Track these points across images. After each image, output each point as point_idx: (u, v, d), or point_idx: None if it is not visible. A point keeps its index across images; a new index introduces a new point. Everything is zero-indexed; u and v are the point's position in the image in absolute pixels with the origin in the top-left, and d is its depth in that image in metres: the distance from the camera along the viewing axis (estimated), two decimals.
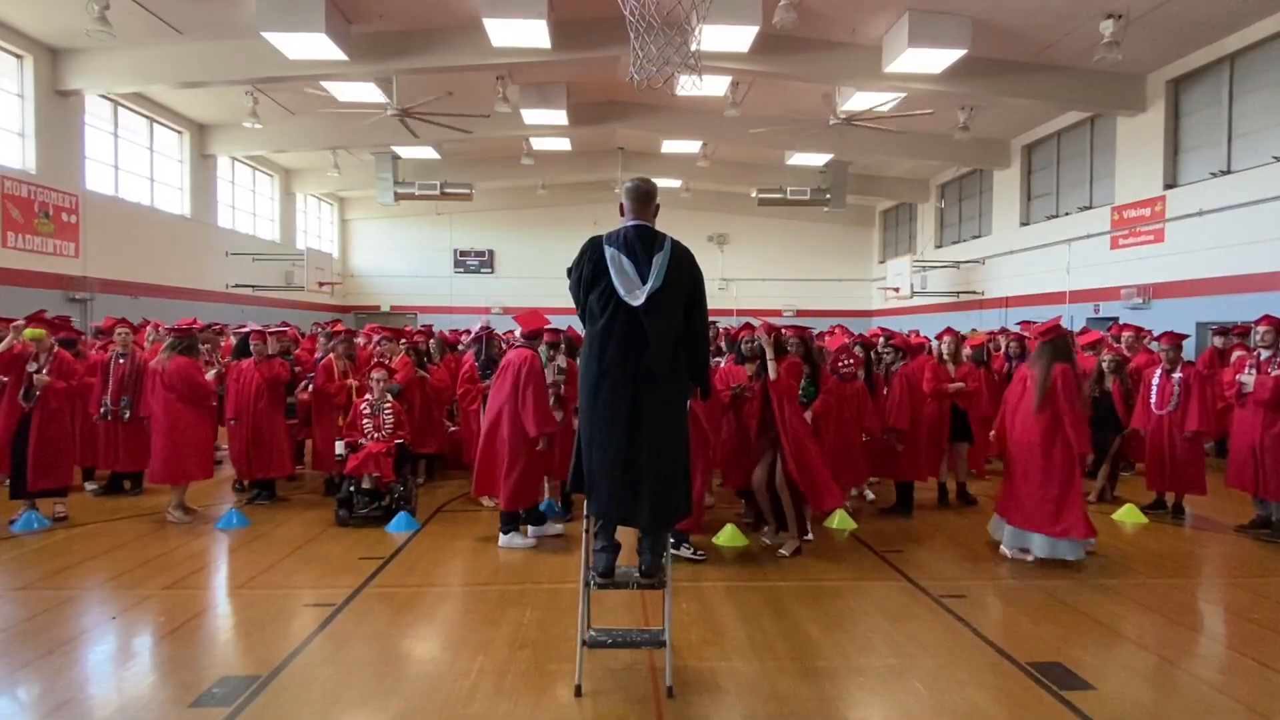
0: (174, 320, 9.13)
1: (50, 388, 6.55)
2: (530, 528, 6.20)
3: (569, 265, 3.65)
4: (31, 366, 6.59)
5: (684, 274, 3.58)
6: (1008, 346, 9.14)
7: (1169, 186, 13.24)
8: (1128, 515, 7.01)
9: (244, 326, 9.61)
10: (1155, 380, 7.16)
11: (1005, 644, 4.19)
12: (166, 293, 15.91)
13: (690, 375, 3.71)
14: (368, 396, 7.05)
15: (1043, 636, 4.35)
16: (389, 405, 7.01)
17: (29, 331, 6.67)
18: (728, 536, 6.10)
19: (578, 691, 3.58)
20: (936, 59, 12.05)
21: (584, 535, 3.72)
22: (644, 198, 3.66)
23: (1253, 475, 6.42)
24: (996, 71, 13.13)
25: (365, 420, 6.91)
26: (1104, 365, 7.77)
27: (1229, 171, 12.03)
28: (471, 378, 7.48)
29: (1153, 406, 7.12)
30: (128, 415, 7.50)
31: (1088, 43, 11.61)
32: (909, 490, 7.21)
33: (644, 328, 3.46)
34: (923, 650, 4.15)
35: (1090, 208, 15.42)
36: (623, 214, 3.67)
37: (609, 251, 3.50)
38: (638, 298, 3.45)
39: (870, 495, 7.71)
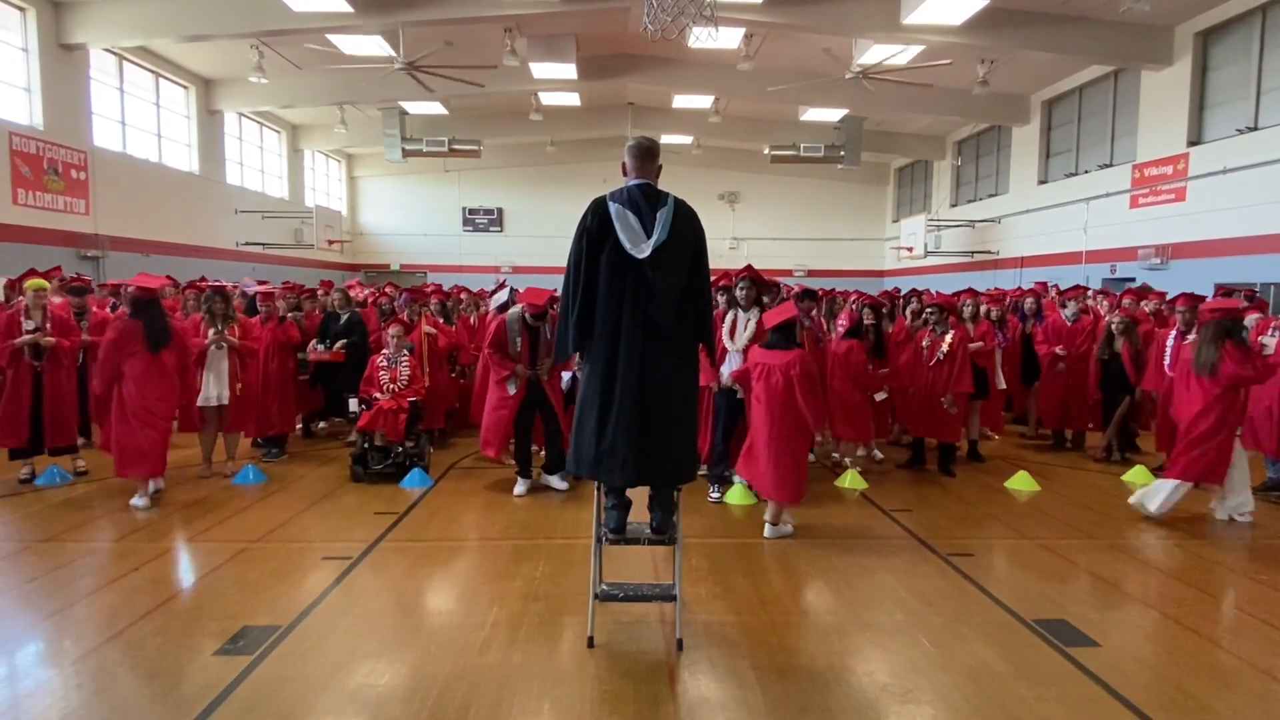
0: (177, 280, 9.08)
1: (57, 348, 6.53)
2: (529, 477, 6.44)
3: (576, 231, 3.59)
4: (28, 324, 6.44)
5: (687, 230, 3.55)
6: (1023, 305, 9.08)
7: (1193, 144, 12.92)
8: (1137, 476, 7.01)
9: (247, 284, 9.63)
10: (1170, 342, 7.09)
11: (1011, 601, 4.23)
12: (177, 250, 15.93)
13: (695, 334, 3.71)
14: (385, 351, 7.11)
15: (1049, 594, 4.39)
16: (405, 359, 7.06)
17: (30, 283, 6.61)
18: (737, 495, 6.16)
19: (590, 643, 3.66)
20: (957, 9, 11.69)
21: (596, 492, 3.76)
22: (646, 156, 3.61)
23: (1267, 437, 6.39)
24: (1019, 23, 12.76)
25: (382, 373, 6.98)
26: (1113, 327, 7.70)
27: (1256, 128, 11.72)
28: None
29: (1166, 368, 7.06)
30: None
31: None
32: (952, 451, 7.24)
33: (650, 282, 3.45)
34: (929, 607, 4.20)
35: (1110, 165, 15.10)
36: (625, 173, 3.64)
37: (613, 207, 3.49)
38: (643, 251, 3.44)
39: (879, 455, 7.73)
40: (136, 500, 5.88)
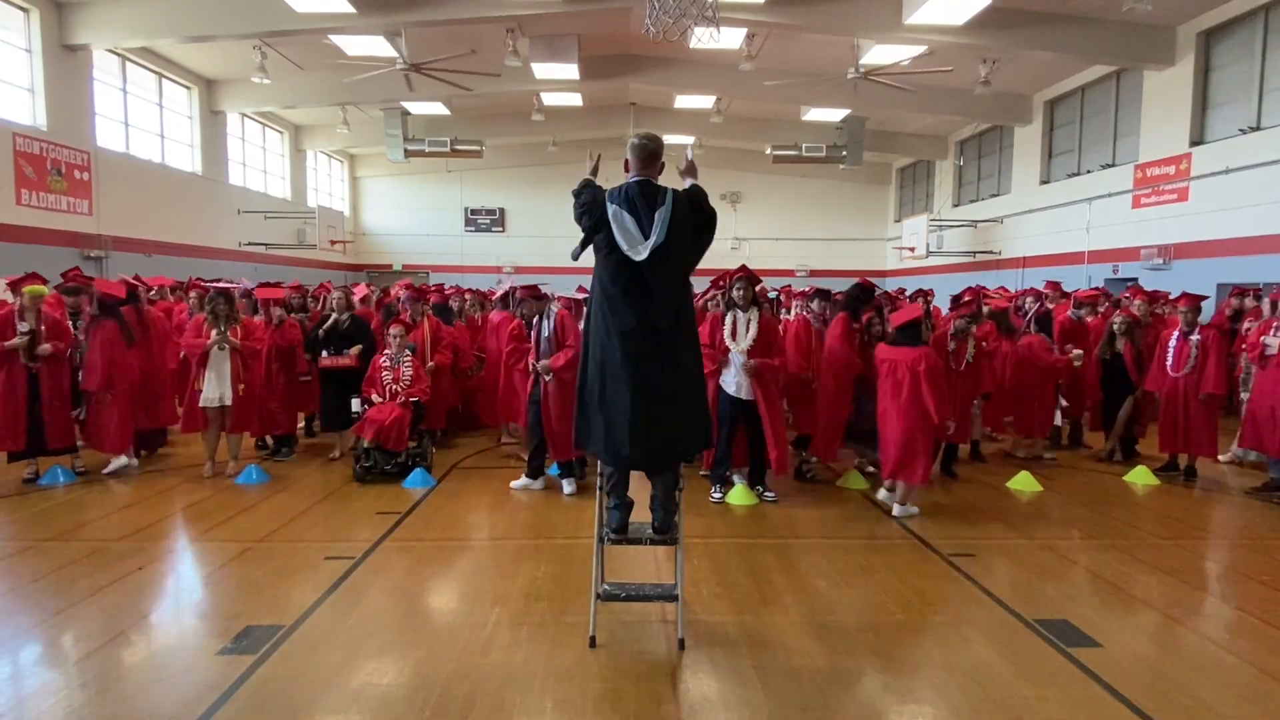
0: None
1: (55, 352, 6.52)
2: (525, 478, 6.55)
3: (576, 189, 3.63)
4: (22, 327, 6.40)
5: (687, 223, 3.54)
6: (1024, 304, 9.05)
7: (1195, 143, 12.90)
8: (1139, 477, 7.01)
9: (238, 282, 9.52)
10: (1172, 342, 7.09)
11: (1013, 602, 4.24)
12: (180, 250, 15.95)
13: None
14: (387, 351, 7.11)
15: (1050, 595, 4.39)
16: (408, 359, 7.07)
17: (29, 289, 6.58)
18: (739, 496, 6.17)
19: (592, 643, 3.67)
20: (959, 9, 11.68)
21: (598, 493, 3.77)
22: (649, 156, 3.61)
23: (1270, 436, 6.39)
24: (1021, 23, 12.74)
25: (384, 373, 6.98)
26: (1115, 327, 7.68)
27: (1259, 128, 11.70)
28: (520, 336, 6.97)
29: (1169, 368, 7.06)
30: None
31: None
32: (955, 452, 7.21)
33: (648, 283, 3.45)
34: (931, 607, 4.20)
35: (1113, 165, 15.08)
36: (626, 170, 3.64)
37: (611, 208, 3.49)
38: (640, 253, 3.44)
39: (869, 469, 7.17)
40: (112, 467, 6.92)
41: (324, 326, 7.63)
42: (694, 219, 3.58)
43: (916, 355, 5.60)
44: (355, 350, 7.55)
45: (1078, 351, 7.50)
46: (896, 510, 5.81)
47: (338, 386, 7.50)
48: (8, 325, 6.43)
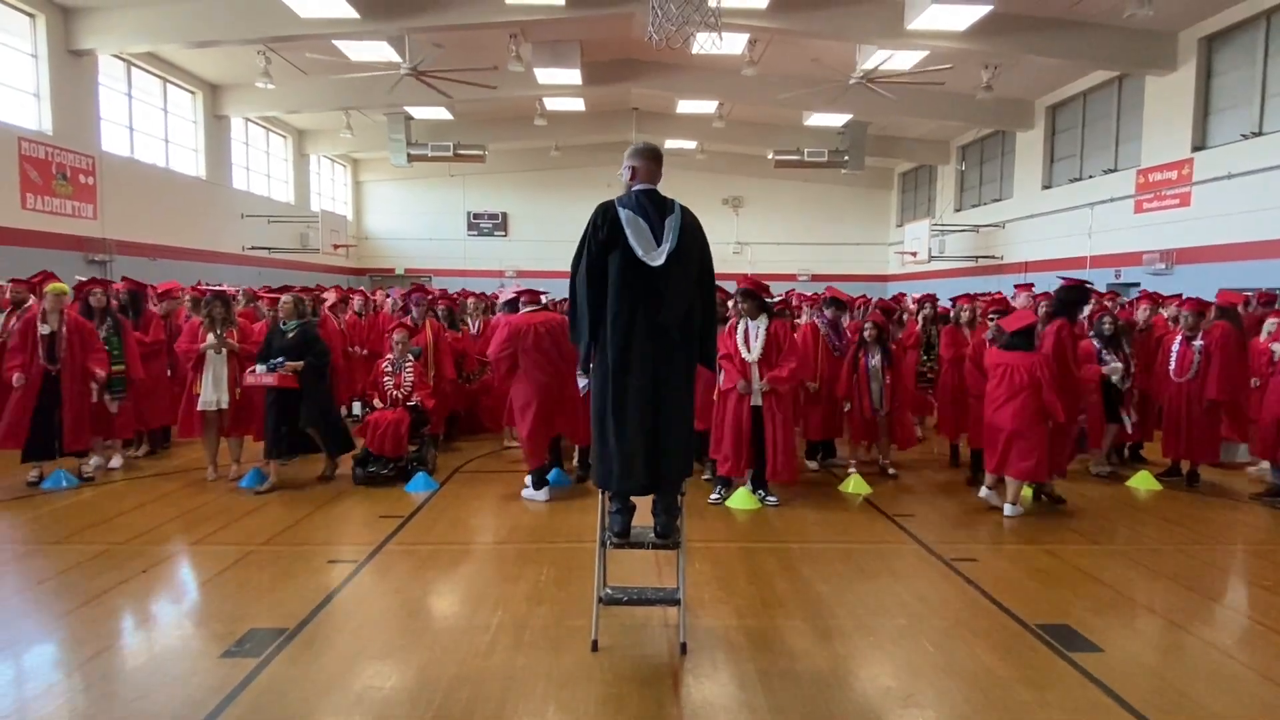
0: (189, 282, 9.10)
1: (82, 355, 6.57)
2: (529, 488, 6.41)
3: (582, 237, 3.58)
4: (43, 329, 6.44)
5: (695, 238, 3.60)
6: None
7: (1197, 149, 12.91)
8: (1142, 481, 6.99)
9: (220, 285, 9.48)
10: (1175, 347, 7.08)
11: (1014, 606, 4.23)
12: (184, 254, 16.03)
13: (699, 345, 3.69)
14: (389, 356, 7.12)
15: (1051, 599, 4.39)
16: (410, 364, 7.08)
17: (51, 287, 6.63)
18: (740, 500, 6.17)
19: (594, 646, 3.67)
20: (961, 15, 11.72)
21: (600, 497, 3.78)
22: (657, 158, 3.69)
23: (1274, 444, 6.37)
24: (1023, 28, 12.78)
25: (386, 378, 7.00)
26: (1105, 329, 7.64)
27: (1260, 133, 11.71)
28: None
29: (1171, 374, 7.05)
30: (170, 374, 7.71)
31: None
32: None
33: (660, 288, 3.48)
34: (932, 611, 4.21)
35: (1115, 170, 15.10)
36: (633, 177, 3.64)
37: (624, 213, 3.51)
38: (656, 258, 3.47)
39: (893, 472, 7.28)
40: (113, 464, 7.28)
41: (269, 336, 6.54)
42: (698, 242, 3.61)
43: (1035, 360, 5.75)
44: (291, 367, 6.30)
45: (1116, 364, 6.92)
46: (1008, 510, 5.90)
47: (278, 404, 6.37)
48: (31, 327, 6.49)
